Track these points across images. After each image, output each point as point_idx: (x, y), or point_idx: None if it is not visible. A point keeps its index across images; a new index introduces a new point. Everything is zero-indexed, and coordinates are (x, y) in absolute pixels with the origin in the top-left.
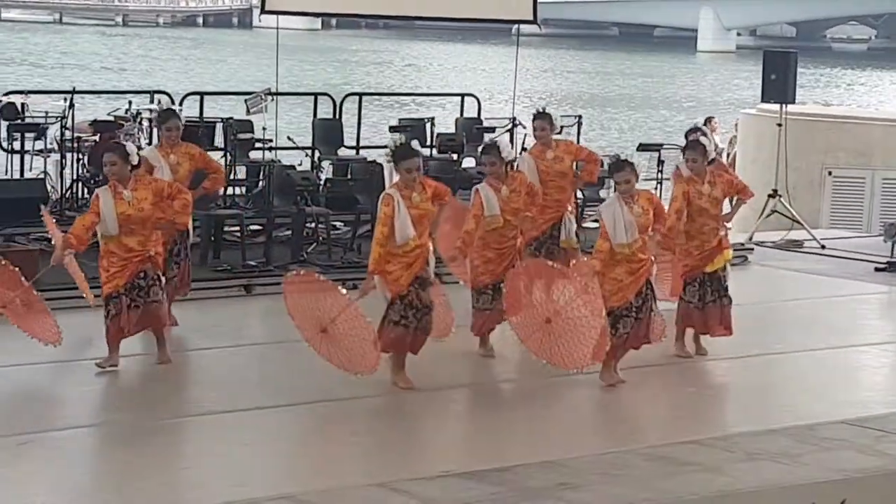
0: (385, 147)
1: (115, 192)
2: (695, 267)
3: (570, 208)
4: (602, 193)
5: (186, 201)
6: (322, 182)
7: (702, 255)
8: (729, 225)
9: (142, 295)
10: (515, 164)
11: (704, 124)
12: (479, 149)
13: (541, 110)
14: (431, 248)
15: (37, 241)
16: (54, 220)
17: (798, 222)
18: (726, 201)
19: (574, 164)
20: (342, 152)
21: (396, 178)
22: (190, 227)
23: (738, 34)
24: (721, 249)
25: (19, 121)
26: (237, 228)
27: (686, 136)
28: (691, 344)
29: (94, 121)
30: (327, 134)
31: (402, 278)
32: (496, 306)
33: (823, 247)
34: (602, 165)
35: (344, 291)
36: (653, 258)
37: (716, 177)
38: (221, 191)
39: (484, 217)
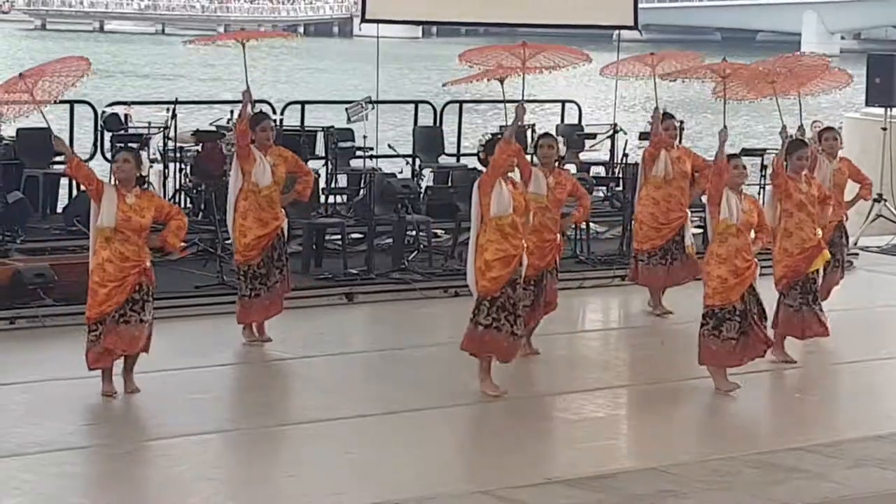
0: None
1: (118, 192)
2: (796, 268)
3: (688, 213)
4: (704, 199)
5: (183, 224)
6: (423, 190)
7: (803, 255)
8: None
9: (136, 310)
10: (563, 161)
11: (810, 127)
12: (536, 136)
13: (668, 112)
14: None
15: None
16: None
17: None
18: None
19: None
20: (443, 160)
21: None
22: (285, 228)
23: (842, 38)
24: (820, 249)
25: (122, 131)
26: (339, 237)
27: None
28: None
29: (197, 130)
30: (428, 142)
31: (501, 277)
32: (536, 303)
33: None
34: None
35: None
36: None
37: (810, 177)
38: (321, 198)
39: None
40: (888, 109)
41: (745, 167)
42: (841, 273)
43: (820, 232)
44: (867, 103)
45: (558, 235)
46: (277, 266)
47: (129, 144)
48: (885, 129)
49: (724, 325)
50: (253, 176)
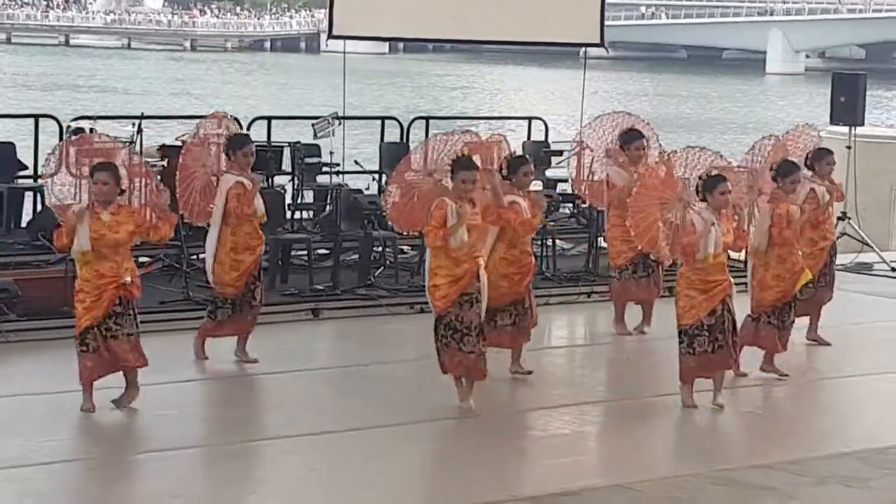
0: None
1: (91, 212)
2: (787, 292)
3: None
4: None
5: (164, 235)
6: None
7: (793, 279)
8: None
9: (119, 323)
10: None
11: None
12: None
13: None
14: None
15: None
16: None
17: (868, 245)
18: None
19: None
20: (409, 176)
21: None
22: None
23: (807, 56)
24: (803, 269)
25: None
26: (305, 253)
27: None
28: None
29: (163, 145)
30: (394, 158)
31: (449, 295)
32: (520, 325)
33: (894, 269)
34: None
35: None
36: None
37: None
38: (288, 214)
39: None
40: (852, 128)
41: (730, 191)
42: (830, 293)
43: (799, 253)
44: (832, 122)
45: (533, 258)
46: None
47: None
48: (849, 147)
49: (696, 341)
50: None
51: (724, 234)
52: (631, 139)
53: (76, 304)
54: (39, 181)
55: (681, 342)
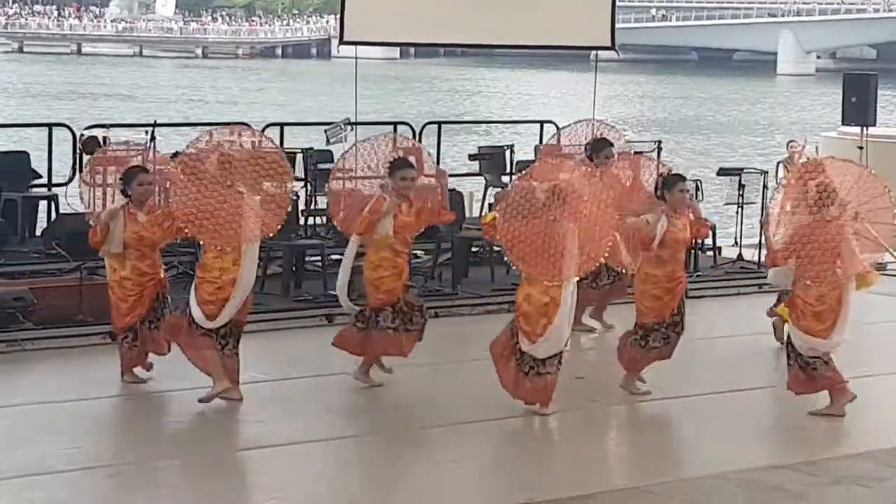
0: (465, 175)
1: (128, 212)
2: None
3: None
4: None
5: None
6: None
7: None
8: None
9: (158, 316)
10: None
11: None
12: None
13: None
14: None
15: None
16: None
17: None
18: None
19: None
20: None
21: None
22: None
23: (818, 57)
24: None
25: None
26: (318, 258)
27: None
28: None
29: (176, 153)
30: None
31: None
32: None
33: None
34: None
35: None
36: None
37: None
38: (301, 220)
39: None
40: (864, 128)
41: (688, 190)
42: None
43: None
44: (843, 122)
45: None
46: None
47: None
48: (861, 147)
49: (651, 336)
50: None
51: (681, 230)
52: (600, 148)
53: (115, 300)
54: (54, 189)
55: (635, 334)
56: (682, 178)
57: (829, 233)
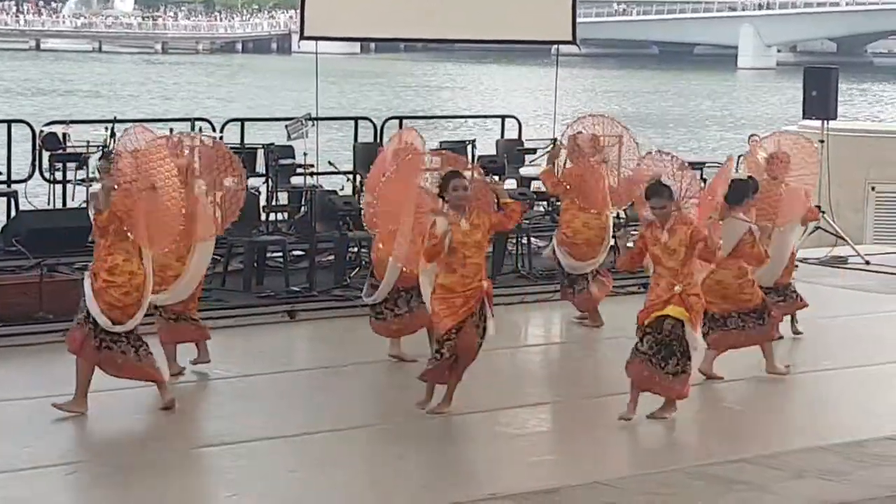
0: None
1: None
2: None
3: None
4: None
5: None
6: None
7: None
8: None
9: None
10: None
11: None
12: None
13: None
14: None
15: (79, 270)
16: None
17: (842, 238)
18: None
19: None
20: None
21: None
22: None
23: (779, 51)
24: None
25: (61, 151)
26: (280, 254)
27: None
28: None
29: (136, 150)
30: (368, 158)
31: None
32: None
33: (868, 263)
34: None
35: None
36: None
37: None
38: (262, 216)
39: None
40: (825, 122)
41: (664, 206)
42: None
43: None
44: (804, 116)
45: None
46: None
47: (68, 164)
48: (822, 141)
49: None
50: None
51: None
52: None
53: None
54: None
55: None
56: (657, 191)
57: None
